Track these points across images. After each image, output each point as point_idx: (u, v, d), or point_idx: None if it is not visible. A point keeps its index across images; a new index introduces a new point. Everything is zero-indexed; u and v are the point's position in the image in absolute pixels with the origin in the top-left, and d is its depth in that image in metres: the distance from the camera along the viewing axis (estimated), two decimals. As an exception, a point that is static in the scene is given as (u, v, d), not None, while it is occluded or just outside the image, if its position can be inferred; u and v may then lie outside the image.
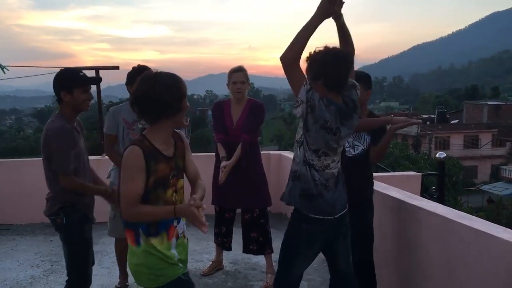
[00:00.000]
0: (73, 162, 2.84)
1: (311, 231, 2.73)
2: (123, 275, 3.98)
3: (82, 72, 3.02)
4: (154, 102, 2.16)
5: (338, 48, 2.68)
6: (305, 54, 2.63)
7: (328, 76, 2.58)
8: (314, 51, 2.63)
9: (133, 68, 3.76)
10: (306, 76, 2.59)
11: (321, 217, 2.69)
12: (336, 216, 2.73)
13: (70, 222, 2.90)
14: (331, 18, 2.67)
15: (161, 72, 2.24)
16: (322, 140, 2.62)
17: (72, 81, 2.88)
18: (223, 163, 3.92)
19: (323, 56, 2.58)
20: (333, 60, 2.57)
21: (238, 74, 4.05)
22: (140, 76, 2.27)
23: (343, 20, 2.77)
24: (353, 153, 3.30)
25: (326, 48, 2.61)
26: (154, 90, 2.15)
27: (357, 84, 2.81)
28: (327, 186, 2.70)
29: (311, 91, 2.54)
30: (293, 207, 2.81)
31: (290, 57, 2.52)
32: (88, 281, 3.05)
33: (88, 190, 2.95)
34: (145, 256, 2.24)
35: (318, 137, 2.62)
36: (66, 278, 3.03)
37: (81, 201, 2.95)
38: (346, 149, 3.30)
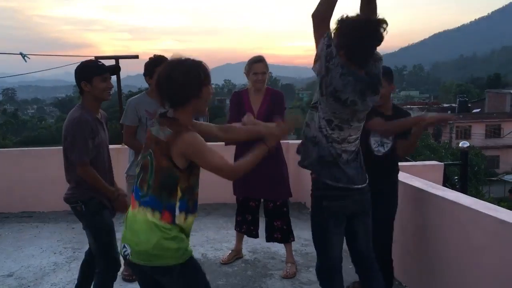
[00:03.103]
0: (90, 152, 2.88)
1: (332, 206, 2.68)
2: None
3: (100, 61, 3.09)
4: (174, 85, 2.20)
5: (368, 18, 2.51)
6: (335, 16, 2.52)
7: (351, 48, 2.48)
8: (344, 17, 2.51)
9: (150, 58, 3.79)
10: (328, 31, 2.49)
11: (340, 185, 2.63)
12: (355, 187, 2.67)
13: (89, 209, 2.96)
14: None
15: (187, 58, 2.27)
16: (332, 109, 2.55)
17: (91, 70, 2.96)
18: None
19: (351, 25, 2.47)
20: (359, 32, 2.45)
21: (259, 65, 3.99)
22: (171, 62, 2.27)
23: None
24: (383, 151, 3.24)
25: (357, 16, 2.50)
26: (174, 73, 2.20)
27: (381, 57, 2.69)
28: (342, 159, 2.64)
29: (331, 49, 2.45)
30: (311, 197, 2.78)
31: (321, 14, 2.47)
32: (118, 265, 3.10)
33: (100, 186, 2.95)
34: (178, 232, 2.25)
35: (328, 105, 2.55)
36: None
37: (98, 193, 2.97)
38: (375, 148, 3.24)
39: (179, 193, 2.24)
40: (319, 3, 2.48)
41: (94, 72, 2.95)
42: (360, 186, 2.69)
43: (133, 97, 3.96)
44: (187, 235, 2.33)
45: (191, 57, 2.28)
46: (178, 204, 2.24)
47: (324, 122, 2.60)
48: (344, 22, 2.50)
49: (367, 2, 2.63)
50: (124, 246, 2.28)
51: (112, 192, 3.03)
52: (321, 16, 2.48)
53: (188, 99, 2.24)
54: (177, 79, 2.20)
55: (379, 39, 2.50)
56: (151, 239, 2.20)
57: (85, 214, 2.97)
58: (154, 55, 3.80)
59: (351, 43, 2.47)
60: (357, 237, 2.83)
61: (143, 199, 2.26)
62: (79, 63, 3.05)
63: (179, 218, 2.24)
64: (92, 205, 2.96)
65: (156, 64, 3.71)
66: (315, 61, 2.54)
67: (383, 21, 2.49)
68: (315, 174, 2.72)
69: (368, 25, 2.47)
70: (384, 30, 2.49)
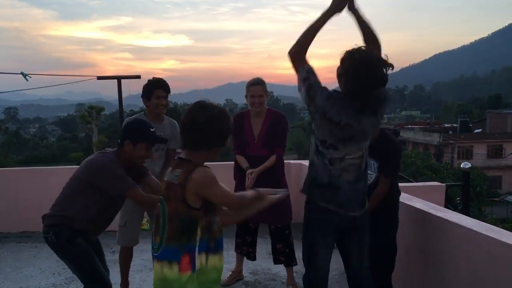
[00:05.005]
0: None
1: (318, 218, 2.70)
2: (125, 284, 3.89)
3: (153, 128, 2.97)
4: (215, 131, 2.20)
5: (368, 53, 2.52)
6: (343, 49, 2.57)
7: (347, 79, 2.52)
8: (350, 50, 2.54)
9: (148, 80, 3.80)
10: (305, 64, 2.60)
11: (330, 207, 2.63)
12: (349, 213, 2.66)
13: (59, 239, 2.86)
14: (347, 13, 2.63)
15: (215, 105, 2.30)
16: (326, 130, 2.58)
17: (141, 135, 2.88)
18: (249, 170, 3.86)
19: (349, 58, 2.52)
20: (355, 66, 2.46)
21: (255, 88, 3.94)
22: (197, 104, 2.28)
23: (361, 15, 2.64)
24: (368, 183, 3.19)
25: (358, 49, 2.53)
26: (219, 119, 2.21)
27: (388, 97, 2.71)
28: (341, 180, 2.62)
29: (309, 81, 2.55)
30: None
31: (294, 52, 2.61)
32: (109, 286, 2.99)
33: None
34: None
35: (321, 127, 2.60)
36: None
37: (71, 223, 2.87)
38: None
39: (199, 233, 2.17)
40: (297, 40, 2.60)
41: (143, 138, 2.86)
42: (351, 214, 2.67)
43: (131, 117, 3.94)
44: (216, 280, 2.28)
45: (215, 104, 2.31)
46: (197, 244, 2.17)
47: (319, 142, 2.64)
48: (350, 57, 2.52)
49: (370, 40, 2.66)
50: None
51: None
52: (297, 52, 2.61)
53: (212, 146, 2.23)
54: (211, 125, 2.18)
55: (379, 80, 2.52)
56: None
57: (57, 244, 2.87)
58: (153, 78, 3.82)
59: (349, 75, 2.51)
60: (350, 257, 2.82)
61: (157, 253, 2.20)
62: (132, 119, 2.98)
63: (200, 259, 2.18)
64: (63, 235, 2.84)
65: (154, 86, 3.73)
66: (298, 90, 2.63)
67: (384, 61, 2.52)
68: (308, 197, 2.76)
69: (366, 61, 2.47)
70: (387, 69, 2.52)
